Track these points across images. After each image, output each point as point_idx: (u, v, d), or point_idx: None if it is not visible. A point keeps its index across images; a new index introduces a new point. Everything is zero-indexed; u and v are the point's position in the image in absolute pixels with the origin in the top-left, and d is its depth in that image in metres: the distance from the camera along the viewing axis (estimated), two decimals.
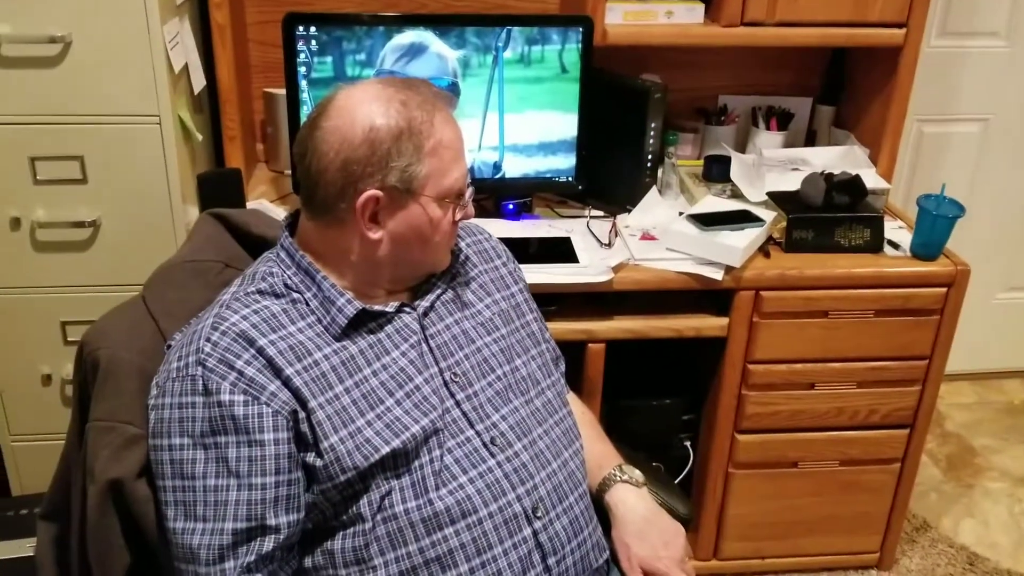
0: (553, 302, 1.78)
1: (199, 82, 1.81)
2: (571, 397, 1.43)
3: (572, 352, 1.84)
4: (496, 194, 1.98)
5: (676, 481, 2.04)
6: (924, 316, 1.87)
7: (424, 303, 1.21)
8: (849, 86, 2.23)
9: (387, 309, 1.17)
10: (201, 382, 1.05)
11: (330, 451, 1.07)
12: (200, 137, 1.78)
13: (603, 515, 1.29)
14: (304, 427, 1.07)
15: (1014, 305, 2.81)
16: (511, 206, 1.96)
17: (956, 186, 2.59)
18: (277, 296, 1.14)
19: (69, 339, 1.73)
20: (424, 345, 1.18)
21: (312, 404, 1.07)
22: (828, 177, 1.88)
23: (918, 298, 1.85)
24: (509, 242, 1.82)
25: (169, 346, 1.16)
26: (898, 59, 2.01)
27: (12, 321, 1.72)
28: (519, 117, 1.90)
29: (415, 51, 1.81)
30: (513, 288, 1.36)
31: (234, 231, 1.38)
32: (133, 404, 1.14)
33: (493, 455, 1.16)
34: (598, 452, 1.35)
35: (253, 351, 1.07)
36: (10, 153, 1.60)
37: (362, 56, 1.79)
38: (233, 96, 1.86)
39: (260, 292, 1.13)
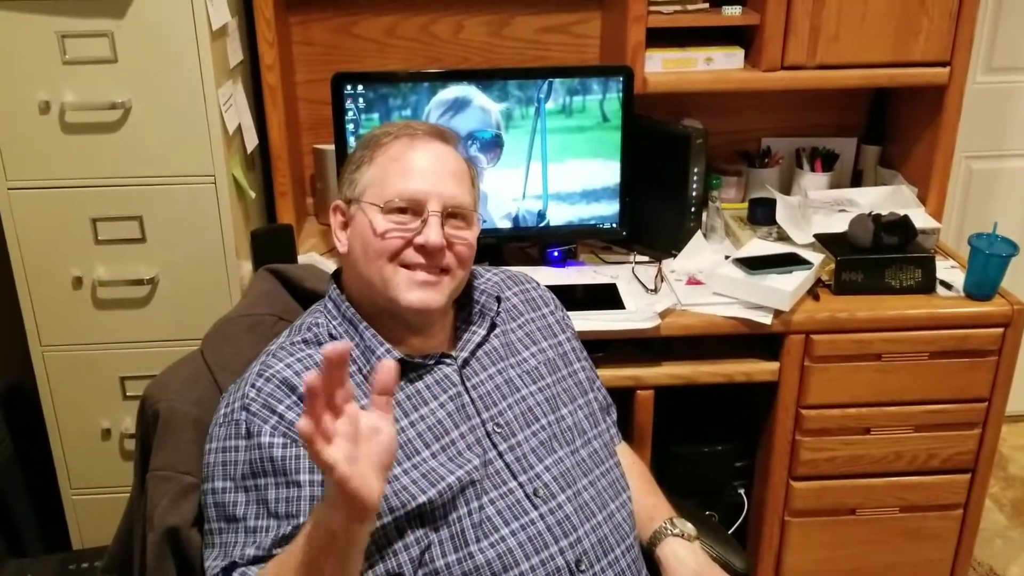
0: (600, 348, 1.78)
1: (252, 141, 1.87)
2: (623, 448, 1.42)
3: (621, 399, 1.83)
4: (541, 242, 1.99)
5: (731, 530, 2.00)
6: (981, 357, 1.83)
7: (464, 353, 1.22)
8: (894, 125, 2.22)
9: (427, 361, 1.19)
10: (244, 426, 1.08)
11: None
12: (253, 194, 1.84)
13: (655, 569, 1.27)
14: None
15: None
16: (556, 253, 1.98)
17: (1009, 222, 2.55)
18: (321, 345, 1.16)
19: (128, 394, 1.77)
20: (466, 396, 1.19)
21: None
22: (876, 218, 1.86)
23: (974, 339, 1.81)
24: (555, 289, 1.82)
25: (223, 393, 1.19)
26: (943, 98, 1.99)
27: (73, 377, 1.77)
28: (562, 166, 1.92)
29: (459, 105, 1.84)
30: (560, 336, 1.36)
31: (289, 285, 1.42)
32: (190, 454, 1.17)
33: (536, 507, 1.15)
34: (650, 505, 1.33)
35: (295, 397, 1.09)
36: (73, 215, 1.66)
37: (407, 112, 1.83)
38: (284, 153, 1.92)
39: (305, 342, 1.17)
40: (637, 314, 1.76)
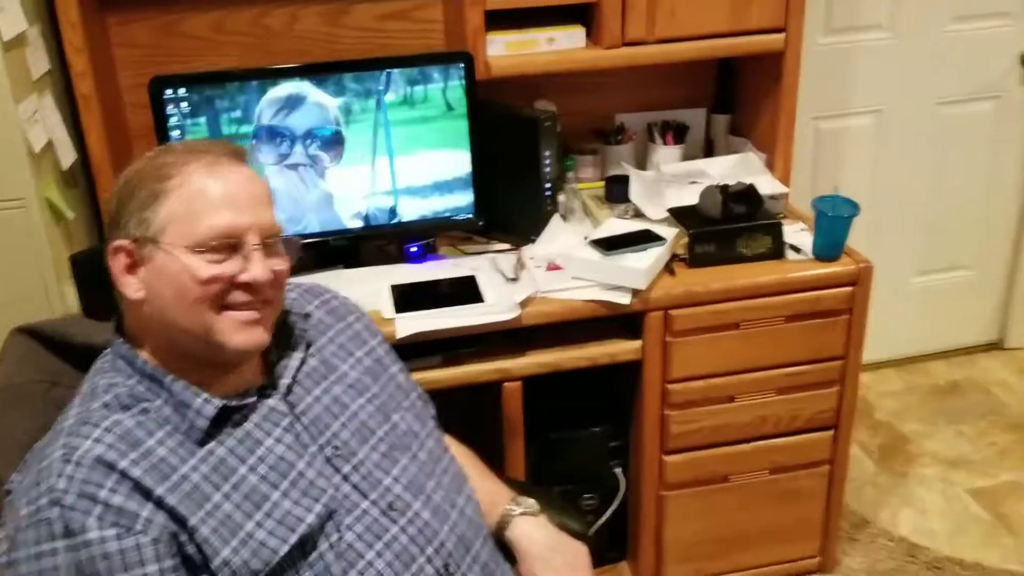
0: (464, 344, 1.74)
1: (67, 157, 1.73)
2: (448, 440, 1.39)
3: (489, 392, 1.80)
4: (396, 239, 1.93)
5: (611, 510, 2.01)
6: (833, 317, 1.87)
7: (285, 379, 1.15)
8: (740, 93, 2.25)
9: (247, 401, 1.10)
10: (60, 524, 0.94)
11: (224, 567, 0.99)
12: (72, 215, 1.70)
13: (505, 551, 1.27)
14: (190, 549, 0.99)
15: (928, 288, 2.85)
16: (414, 249, 1.92)
17: (858, 178, 2.63)
18: (126, 408, 1.04)
19: None
20: (298, 425, 1.13)
21: (193, 522, 0.99)
22: (724, 188, 1.88)
23: (825, 300, 1.85)
24: (412, 286, 1.79)
25: (8, 491, 1.04)
26: (781, 63, 2.02)
27: None
28: (410, 159, 1.86)
29: (293, 103, 1.76)
30: (372, 342, 1.30)
31: (52, 345, 1.26)
32: None
33: (395, 521, 1.11)
34: (488, 489, 1.31)
35: (116, 475, 0.97)
36: None
37: (237, 113, 1.73)
38: (107, 167, 1.78)
39: (107, 406, 1.04)
40: (496, 306, 1.73)
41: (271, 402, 1.12)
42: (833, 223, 1.84)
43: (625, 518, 2.05)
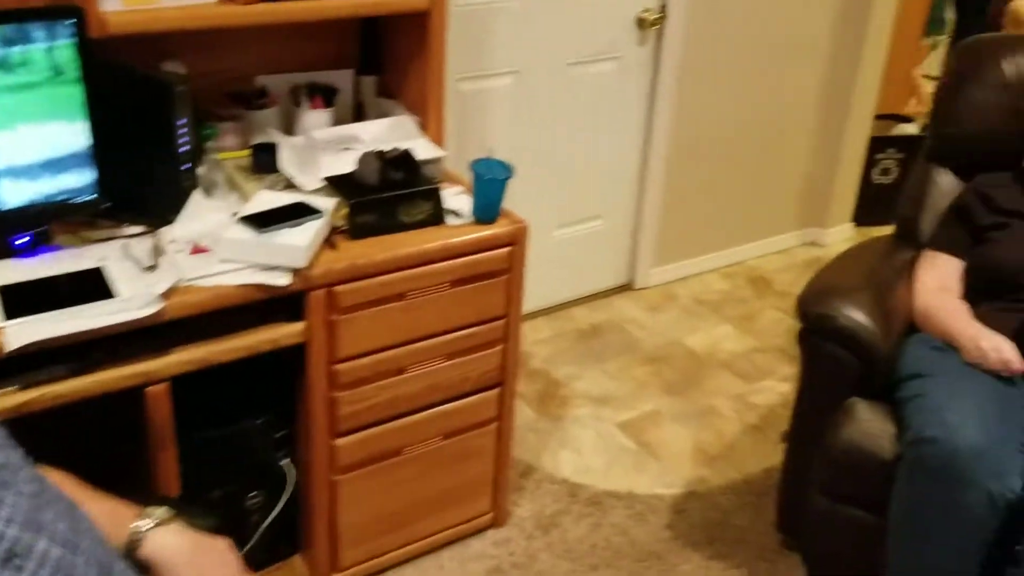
0: (96, 349, 1.51)
1: None
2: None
3: (129, 400, 1.59)
4: None
5: (280, 504, 1.90)
6: (494, 278, 1.91)
7: None
8: (388, 53, 2.18)
9: None
10: None
11: None
12: None
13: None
14: None
15: (567, 239, 3.06)
16: (23, 240, 1.62)
17: (500, 139, 2.71)
18: None
19: None
20: None
21: None
22: (381, 155, 1.82)
23: (486, 262, 1.88)
24: (24, 286, 1.51)
25: None
26: (427, 23, 1.99)
27: None
28: (10, 134, 1.54)
29: None
30: None
31: None
32: None
33: (22, 568, 0.92)
34: (106, 511, 1.15)
35: None
36: None
37: None
38: None
39: None
40: (132, 301, 1.51)
41: None
42: (490, 186, 1.86)
43: (296, 510, 1.95)
